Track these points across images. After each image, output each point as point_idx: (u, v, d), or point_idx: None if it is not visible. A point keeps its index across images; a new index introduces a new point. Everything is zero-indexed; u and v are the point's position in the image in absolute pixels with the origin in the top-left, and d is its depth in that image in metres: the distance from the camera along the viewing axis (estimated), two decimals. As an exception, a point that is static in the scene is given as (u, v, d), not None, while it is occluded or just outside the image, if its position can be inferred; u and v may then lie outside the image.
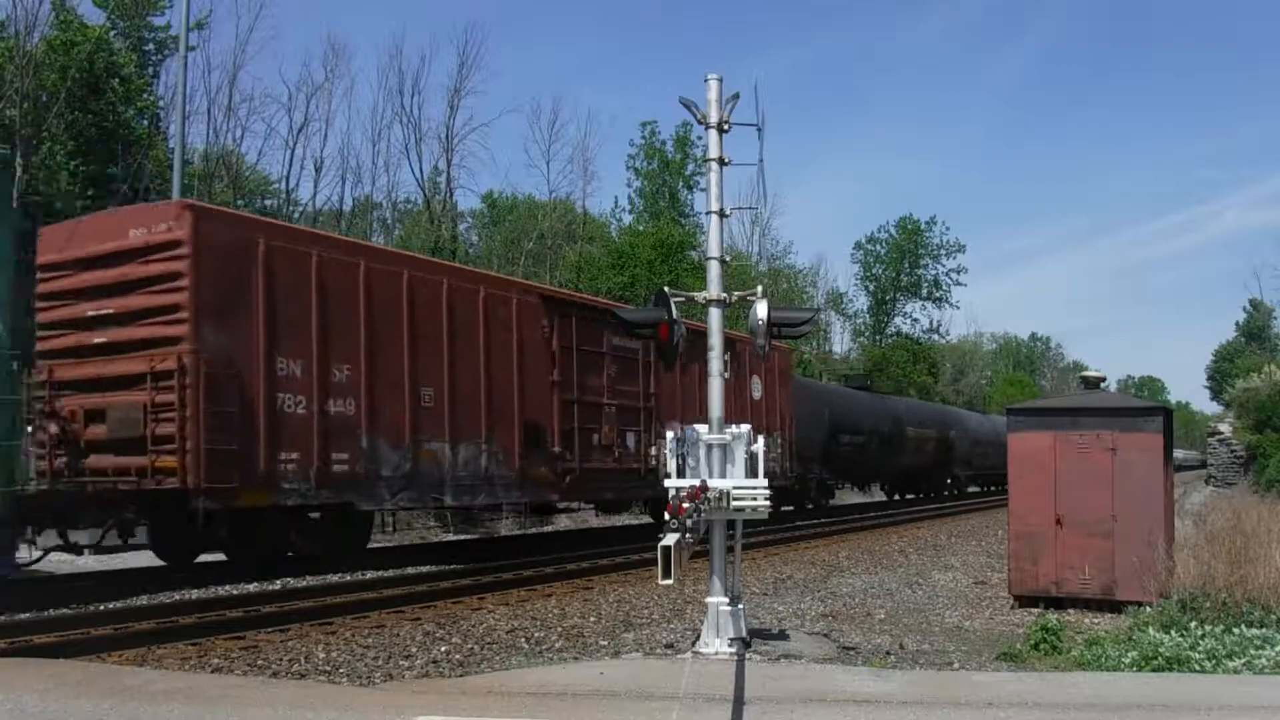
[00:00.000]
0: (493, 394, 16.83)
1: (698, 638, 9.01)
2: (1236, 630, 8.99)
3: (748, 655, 8.60)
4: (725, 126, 9.07)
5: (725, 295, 9.05)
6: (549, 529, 25.37)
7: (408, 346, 15.38)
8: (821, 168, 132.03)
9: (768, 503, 8.73)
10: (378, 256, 15.88)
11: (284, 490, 13.60)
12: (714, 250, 9.13)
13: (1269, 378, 39.77)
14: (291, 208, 41.13)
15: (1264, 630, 9.00)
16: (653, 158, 53.07)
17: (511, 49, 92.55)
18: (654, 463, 19.17)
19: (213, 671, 8.63)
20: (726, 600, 8.83)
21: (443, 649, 9.67)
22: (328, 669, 8.81)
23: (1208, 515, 18.12)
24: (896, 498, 42.04)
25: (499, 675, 8.36)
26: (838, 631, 10.51)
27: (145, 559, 17.21)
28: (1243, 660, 8.27)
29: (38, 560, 13.40)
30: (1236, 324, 79.99)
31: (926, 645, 9.95)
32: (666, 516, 7.16)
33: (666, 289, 9.14)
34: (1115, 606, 11.39)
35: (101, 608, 11.17)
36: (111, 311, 13.39)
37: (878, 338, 68.45)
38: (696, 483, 8.26)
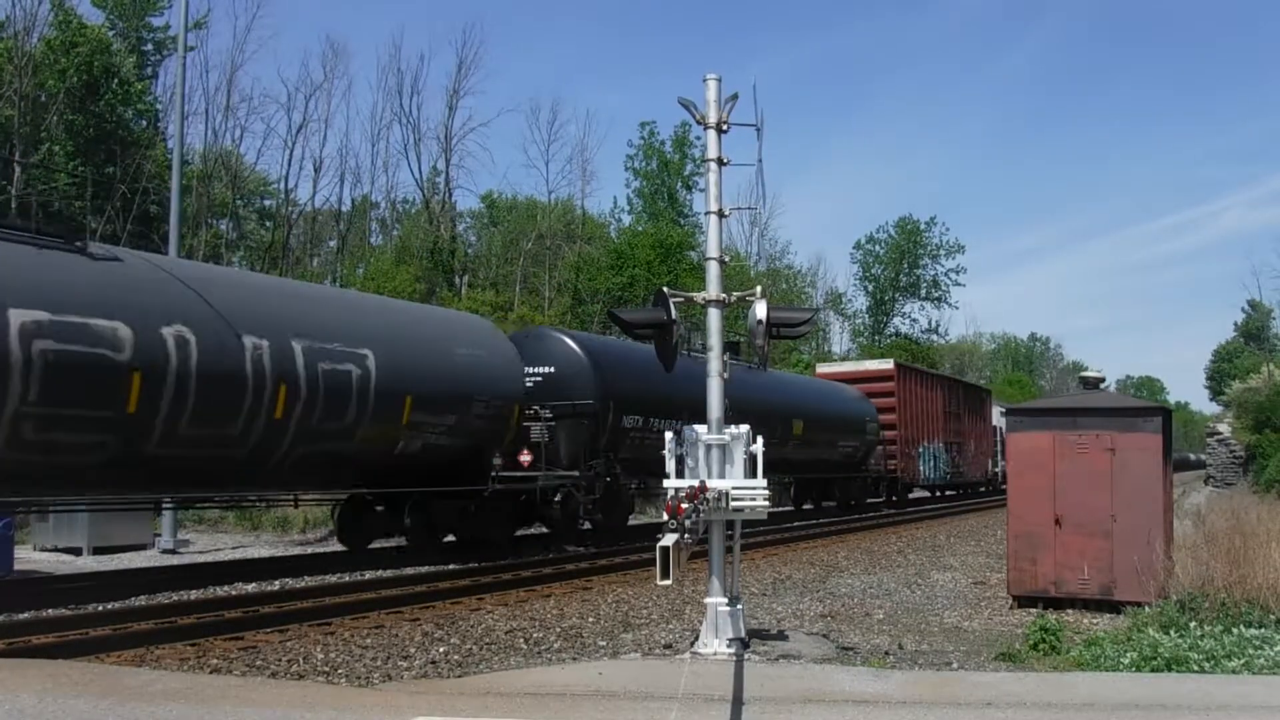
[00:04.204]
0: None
1: (696, 638, 9.01)
2: (1235, 630, 8.98)
3: (746, 656, 8.60)
4: (724, 127, 9.07)
5: (724, 295, 9.05)
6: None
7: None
8: (820, 167, 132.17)
9: (767, 503, 8.73)
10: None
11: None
12: (713, 251, 9.13)
13: (1268, 378, 39.85)
14: (290, 208, 41.17)
15: (1263, 630, 8.99)
16: (652, 158, 53.12)
17: (510, 49, 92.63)
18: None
19: (211, 672, 8.62)
20: (725, 601, 8.82)
21: (441, 649, 9.67)
22: (326, 669, 8.81)
23: (1207, 515, 18.12)
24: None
25: (497, 675, 8.36)
26: (836, 632, 10.51)
27: (143, 559, 17.24)
28: (1241, 660, 8.27)
29: None
30: (1235, 324, 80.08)
31: (925, 645, 9.95)
32: (665, 516, 7.15)
33: (666, 289, 9.14)
34: (1114, 607, 11.38)
35: (100, 608, 11.16)
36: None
37: (876, 338, 68.48)
38: (695, 483, 8.26)
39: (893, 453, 32.58)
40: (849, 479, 31.24)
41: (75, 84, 28.91)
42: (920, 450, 34.71)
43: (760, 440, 9.06)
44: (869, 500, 32.47)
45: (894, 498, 33.83)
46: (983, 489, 44.40)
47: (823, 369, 37.28)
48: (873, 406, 31.69)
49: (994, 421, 43.96)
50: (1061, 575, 11.84)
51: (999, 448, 44.29)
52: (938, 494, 40.18)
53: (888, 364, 35.23)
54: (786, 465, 27.00)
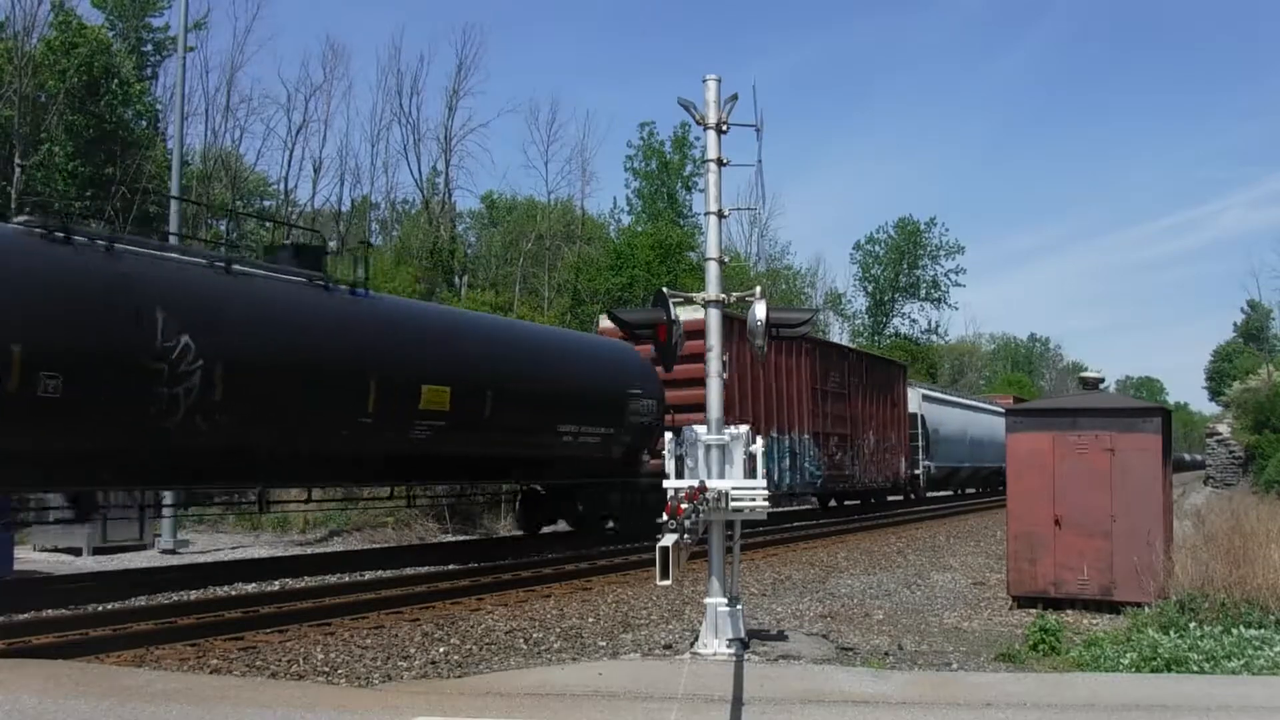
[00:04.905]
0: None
1: (696, 638, 9.01)
2: (1235, 631, 8.99)
3: (746, 656, 8.61)
4: (724, 127, 9.08)
5: (724, 296, 9.06)
6: (547, 530, 25.33)
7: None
8: (820, 168, 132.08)
9: (766, 503, 8.74)
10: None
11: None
12: (712, 251, 9.13)
13: (1268, 379, 39.88)
14: (290, 208, 41.18)
15: (1262, 631, 9.00)
16: (651, 159, 53.14)
17: (510, 49, 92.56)
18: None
19: (211, 672, 8.63)
20: (725, 601, 8.83)
21: (441, 650, 9.67)
22: (326, 670, 8.81)
23: (1206, 516, 18.12)
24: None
25: (497, 676, 8.36)
26: (836, 632, 10.51)
27: (143, 559, 17.24)
28: (1241, 661, 8.27)
29: None
30: (1235, 325, 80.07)
31: (925, 646, 9.95)
32: (665, 517, 7.16)
33: (665, 290, 9.15)
34: (1114, 607, 11.39)
35: (100, 608, 11.17)
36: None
37: (876, 338, 68.52)
38: (695, 483, 8.26)
39: None
40: (601, 487, 19.58)
41: (75, 84, 28.90)
42: (767, 446, 23.46)
43: (759, 440, 9.05)
44: (655, 520, 17.26)
45: None
46: (897, 498, 33.65)
47: (606, 323, 21.45)
48: (655, 373, 19.50)
49: (913, 408, 33.10)
50: (1061, 576, 11.85)
51: (921, 444, 34.04)
52: (832, 504, 30.71)
53: (701, 314, 19.16)
54: (462, 461, 16.54)
